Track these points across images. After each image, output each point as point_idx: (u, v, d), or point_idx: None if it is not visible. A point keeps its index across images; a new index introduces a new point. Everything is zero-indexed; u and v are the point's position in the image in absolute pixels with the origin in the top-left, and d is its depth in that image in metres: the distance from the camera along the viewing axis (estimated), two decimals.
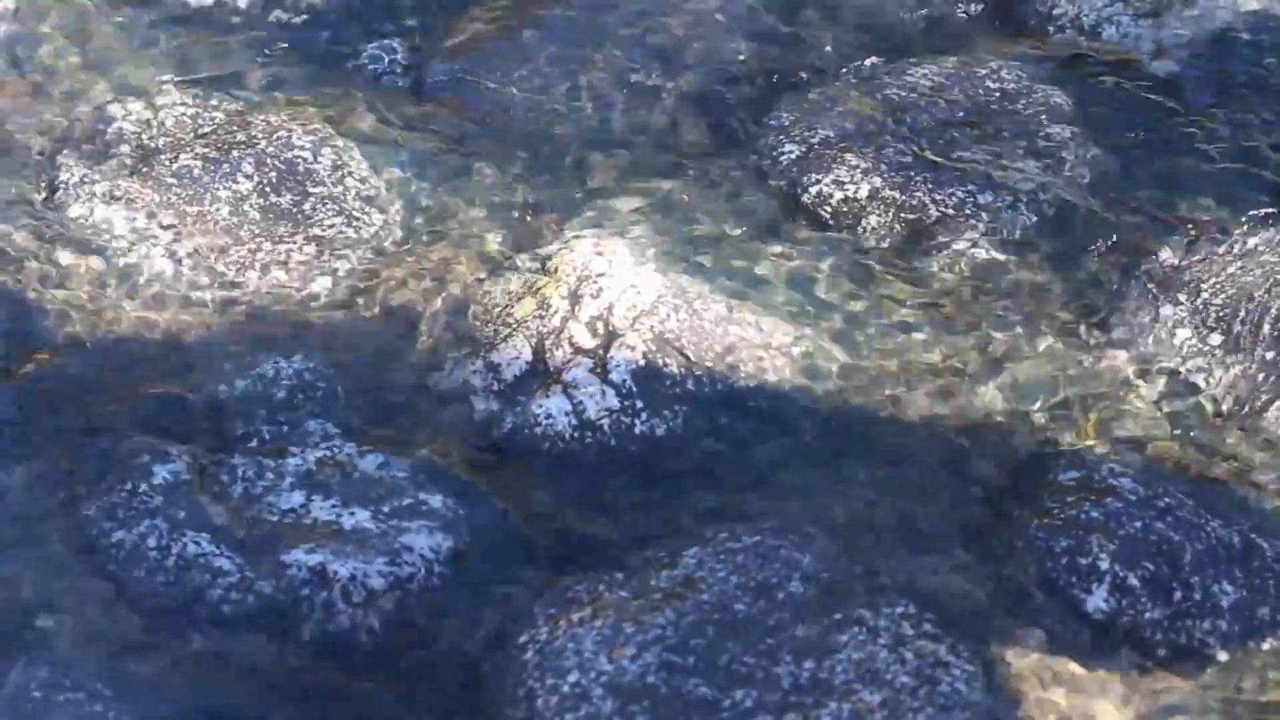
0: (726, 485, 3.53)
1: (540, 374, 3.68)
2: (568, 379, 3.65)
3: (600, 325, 3.72)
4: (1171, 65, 4.65)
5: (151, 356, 3.73)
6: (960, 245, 4.07)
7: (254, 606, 3.22)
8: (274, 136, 4.20)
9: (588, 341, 3.70)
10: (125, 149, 4.17)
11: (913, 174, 4.20)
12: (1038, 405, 3.74)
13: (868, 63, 4.62)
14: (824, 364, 3.78)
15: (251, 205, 4.06)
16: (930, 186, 4.17)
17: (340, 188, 4.12)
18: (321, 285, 3.93)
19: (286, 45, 4.62)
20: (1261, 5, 4.81)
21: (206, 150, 4.15)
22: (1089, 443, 3.67)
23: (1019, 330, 3.90)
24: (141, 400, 3.62)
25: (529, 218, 4.14)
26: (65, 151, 4.16)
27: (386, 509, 3.41)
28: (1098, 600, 3.32)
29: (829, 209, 4.16)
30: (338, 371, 3.71)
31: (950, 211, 4.12)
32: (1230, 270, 3.94)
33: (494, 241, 4.06)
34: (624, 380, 3.64)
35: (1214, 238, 4.07)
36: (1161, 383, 3.81)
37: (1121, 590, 3.33)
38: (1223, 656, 3.28)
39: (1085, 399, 3.77)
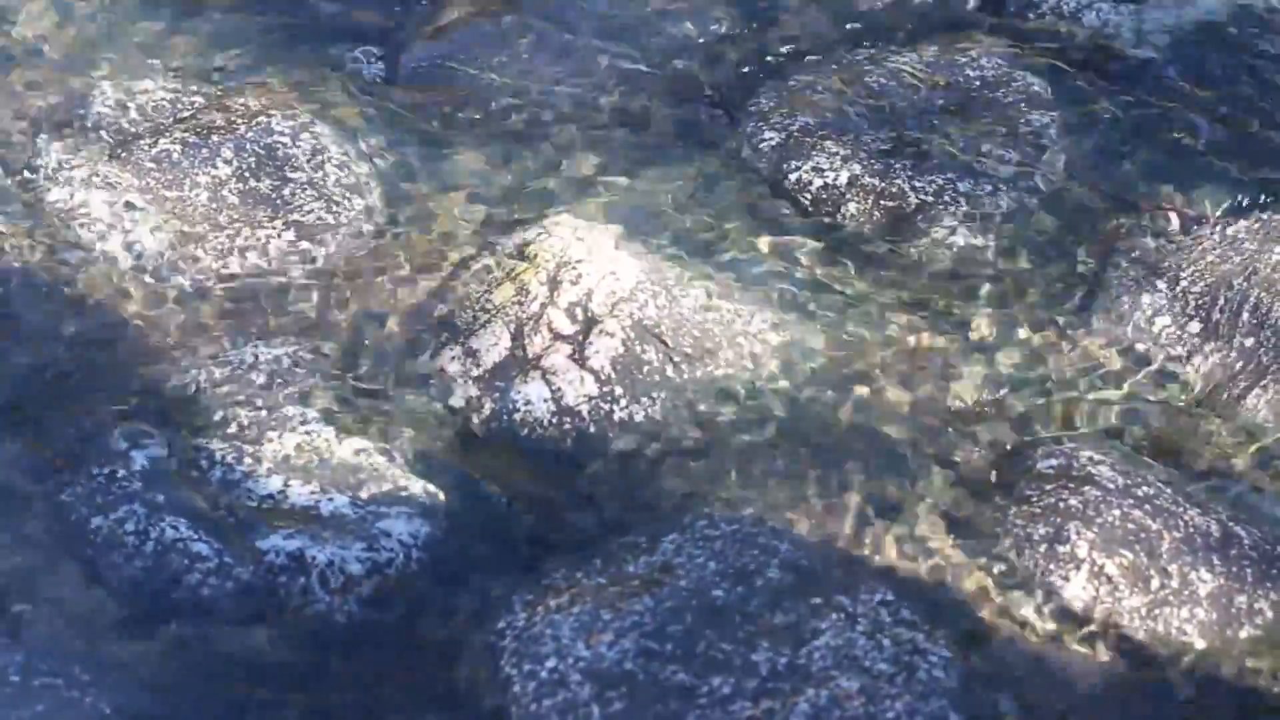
0: (705, 472, 3.54)
1: (519, 360, 3.67)
2: (546, 365, 3.65)
3: (579, 311, 3.71)
4: (1151, 53, 4.66)
5: (129, 341, 3.72)
6: (940, 232, 4.07)
7: (232, 591, 3.22)
8: (253, 122, 4.19)
9: (567, 328, 3.69)
10: (104, 133, 4.16)
11: (892, 161, 4.20)
12: (1017, 392, 3.75)
13: (847, 49, 4.62)
14: (803, 350, 3.78)
15: (230, 190, 4.04)
16: (910, 173, 4.17)
17: (320, 173, 4.11)
18: (300, 271, 3.93)
19: (265, 30, 4.60)
20: None
21: (185, 135, 4.13)
22: (1068, 430, 3.67)
23: (998, 317, 3.90)
24: (119, 385, 3.61)
25: (508, 204, 4.13)
26: (43, 135, 4.15)
27: (364, 495, 3.40)
28: (1076, 588, 3.33)
29: (809, 196, 4.17)
30: (316, 357, 3.71)
31: (930, 198, 4.12)
32: (1209, 258, 3.94)
33: (473, 227, 4.06)
34: (603, 367, 3.64)
35: (1193, 225, 4.07)
36: (1140, 370, 3.82)
37: (1100, 578, 3.33)
38: (1200, 644, 3.29)
39: (1064, 386, 3.77)
